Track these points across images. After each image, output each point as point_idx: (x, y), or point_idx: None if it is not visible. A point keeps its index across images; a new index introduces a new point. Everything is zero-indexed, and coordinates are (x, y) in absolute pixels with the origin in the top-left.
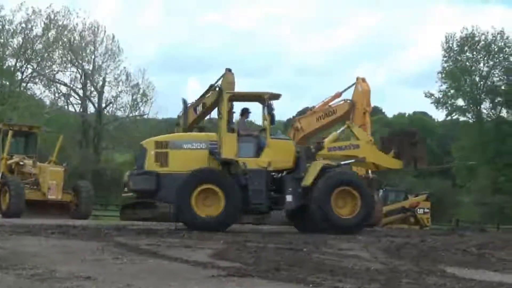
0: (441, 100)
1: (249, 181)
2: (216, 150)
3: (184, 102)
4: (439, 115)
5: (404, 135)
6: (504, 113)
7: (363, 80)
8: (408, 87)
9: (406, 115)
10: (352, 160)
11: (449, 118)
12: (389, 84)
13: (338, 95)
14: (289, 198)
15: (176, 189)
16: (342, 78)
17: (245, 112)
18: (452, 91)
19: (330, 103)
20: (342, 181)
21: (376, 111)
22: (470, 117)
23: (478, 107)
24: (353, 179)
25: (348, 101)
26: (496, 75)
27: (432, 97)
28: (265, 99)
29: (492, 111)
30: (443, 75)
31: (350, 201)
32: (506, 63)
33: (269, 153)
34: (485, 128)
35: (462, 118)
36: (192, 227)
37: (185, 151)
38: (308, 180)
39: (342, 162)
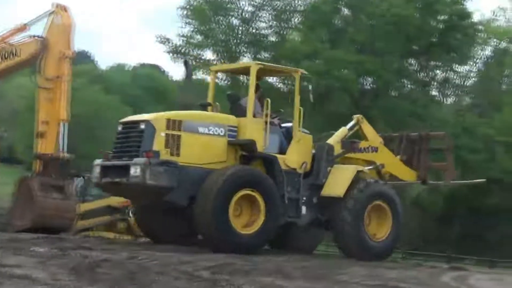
0: (182, 49)
1: (286, 187)
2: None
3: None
4: (178, 71)
5: (424, 137)
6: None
7: (64, 9)
8: (136, 29)
9: (128, 67)
10: (371, 167)
11: (192, 77)
12: (107, 22)
13: (23, 28)
14: (303, 210)
15: (209, 195)
16: (29, 5)
17: (258, 89)
18: (198, 37)
19: (10, 40)
20: (379, 193)
21: (83, 57)
22: (222, 77)
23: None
24: (389, 192)
25: (38, 38)
26: (263, 19)
27: (168, 43)
28: (299, 77)
29: None
30: (187, 13)
31: (376, 218)
32: (278, 4)
33: (296, 150)
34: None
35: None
36: (229, 248)
37: (200, 137)
38: (338, 189)
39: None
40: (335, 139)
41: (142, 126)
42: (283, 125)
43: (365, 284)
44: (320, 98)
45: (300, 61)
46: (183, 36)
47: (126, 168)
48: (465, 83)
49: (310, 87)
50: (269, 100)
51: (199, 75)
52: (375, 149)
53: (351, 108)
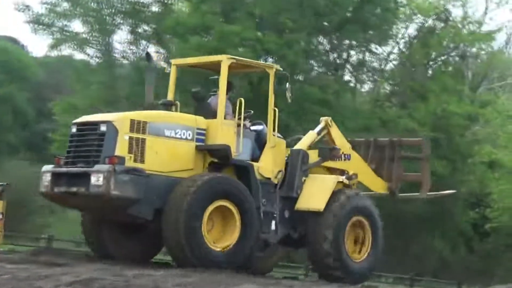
0: (45, 20)
1: (261, 198)
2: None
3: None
4: (41, 44)
5: (397, 144)
6: (152, 51)
7: None
8: None
9: None
10: (343, 177)
11: (56, 53)
12: None
13: None
14: (273, 225)
15: (180, 206)
16: None
17: (230, 87)
18: (65, 5)
19: None
20: (360, 208)
21: None
22: (94, 54)
23: (109, 39)
24: (370, 206)
25: None
26: None
27: (29, 12)
28: (273, 73)
29: (132, 47)
30: None
31: (353, 236)
32: None
33: (270, 157)
34: (116, 74)
35: (80, 56)
36: (201, 264)
37: (166, 141)
38: (317, 202)
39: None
40: (303, 144)
41: (103, 128)
42: (252, 128)
43: None
44: (211, 82)
45: (188, 36)
46: (46, 3)
47: (86, 176)
48: (384, 67)
49: (287, 84)
50: (242, 100)
51: (62, 50)
52: (348, 157)
53: (248, 94)
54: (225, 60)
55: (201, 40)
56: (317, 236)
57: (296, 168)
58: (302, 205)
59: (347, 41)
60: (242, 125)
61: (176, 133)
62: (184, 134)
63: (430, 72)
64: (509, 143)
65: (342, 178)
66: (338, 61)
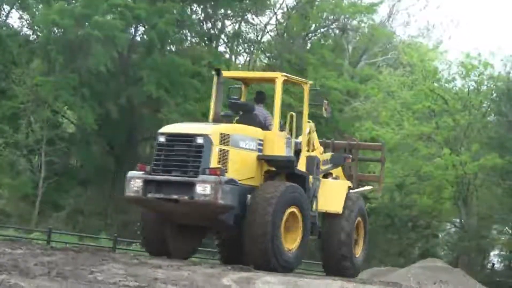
0: None
1: None
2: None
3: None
4: None
5: (356, 147)
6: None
7: None
8: None
9: None
10: (350, 183)
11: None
12: None
13: None
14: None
15: (265, 211)
16: None
17: (264, 98)
18: None
19: None
20: (361, 210)
21: None
22: None
23: None
24: (364, 207)
25: None
26: None
27: None
28: (308, 89)
29: None
30: None
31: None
32: None
33: (304, 165)
34: None
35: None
36: (279, 266)
37: (240, 152)
38: (335, 205)
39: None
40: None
41: (200, 141)
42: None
43: (125, 285)
44: (73, 51)
45: (52, 2)
46: None
47: (190, 185)
48: (260, 39)
49: (324, 100)
50: (294, 114)
51: None
52: None
53: (115, 66)
54: (279, 77)
55: (66, 6)
56: (334, 236)
57: (312, 173)
58: (321, 207)
59: (222, 11)
60: (292, 137)
61: (246, 144)
62: (251, 145)
63: (309, 45)
64: (391, 119)
65: (350, 184)
66: (212, 31)
